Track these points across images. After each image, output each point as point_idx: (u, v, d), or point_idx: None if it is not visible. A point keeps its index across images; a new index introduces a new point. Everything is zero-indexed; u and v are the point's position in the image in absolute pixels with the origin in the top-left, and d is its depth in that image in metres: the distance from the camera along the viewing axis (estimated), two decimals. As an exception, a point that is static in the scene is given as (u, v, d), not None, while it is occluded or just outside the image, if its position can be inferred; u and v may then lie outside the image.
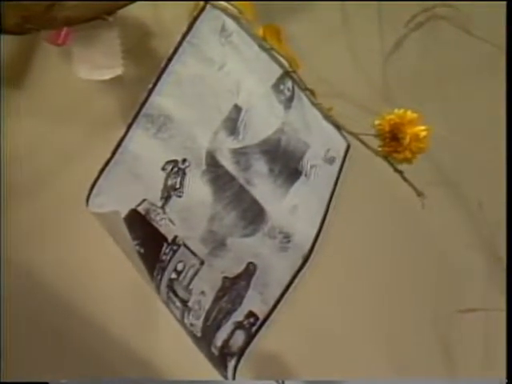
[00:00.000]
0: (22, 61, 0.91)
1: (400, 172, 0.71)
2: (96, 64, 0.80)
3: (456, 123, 1.00)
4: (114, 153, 0.64)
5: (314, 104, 0.75)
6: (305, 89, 0.75)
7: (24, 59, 0.91)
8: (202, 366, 0.71)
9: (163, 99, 0.65)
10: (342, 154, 0.78)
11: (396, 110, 0.70)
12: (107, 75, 0.81)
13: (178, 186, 0.66)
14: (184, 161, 0.67)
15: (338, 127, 0.76)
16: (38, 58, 0.91)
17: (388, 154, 0.71)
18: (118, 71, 0.81)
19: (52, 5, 0.66)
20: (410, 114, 0.70)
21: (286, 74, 0.73)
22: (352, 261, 0.99)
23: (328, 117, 0.76)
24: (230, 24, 0.69)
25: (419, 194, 0.71)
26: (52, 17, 0.66)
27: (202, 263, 0.68)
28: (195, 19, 0.67)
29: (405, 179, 0.71)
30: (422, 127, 0.69)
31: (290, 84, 0.74)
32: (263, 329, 0.72)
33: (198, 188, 0.67)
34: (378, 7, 1.00)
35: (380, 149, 0.71)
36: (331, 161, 0.77)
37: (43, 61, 0.92)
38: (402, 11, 1.00)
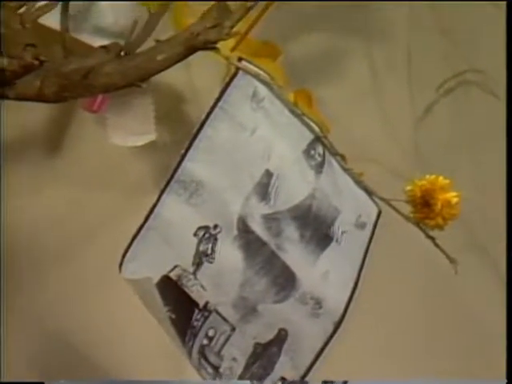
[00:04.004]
0: (58, 127, 0.93)
1: (432, 238, 0.70)
2: (130, 130, 0.81)
3: (487, 188, 0.99)
4: (146, 218, 0.64)
5: (344, 169, 0.75)
6: (335, 154, 0.75)
7: (60, 126, 0.93)
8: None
9: (195, 165, 0.66)
10: (373, 219, 0.78)
11: (427, 176, 0.69)
12: (141, 141, 0.82)
13: (209, 251, 0.66)
14: (215, 226, 0.67)
15: (370, 192, 0.76)
16: (74, 124, 0.93)
17: (420, 220, 0.70)
18: (152, 137, 0.82)
19: (88, 72, 0.67)
20: (441, 180, 0.69)
21: (317, 140, 0.73)
22: (384, 326, 0.98)
23: (359, 182, 0.75)
24: (262, 89, 0.69)
25: (452, 260, 0.70)
26: (88, 84, 0.67)
27: (234, 329, 0.68)
28: (227, 85, 0.67)
29: (437, 245, 0.70)
30: (454, 193, 0.68)
31: (320, 149, 0.74)
32: (294, 396, 0.71)
33: (229, 254, 0.67)
34: (408, 72, 1.01)
35: (412, 215, 0.70)
36: (362, 226, 0.77)
37: (79, 127, 0.93)
38: (432, 76, 1.01)
